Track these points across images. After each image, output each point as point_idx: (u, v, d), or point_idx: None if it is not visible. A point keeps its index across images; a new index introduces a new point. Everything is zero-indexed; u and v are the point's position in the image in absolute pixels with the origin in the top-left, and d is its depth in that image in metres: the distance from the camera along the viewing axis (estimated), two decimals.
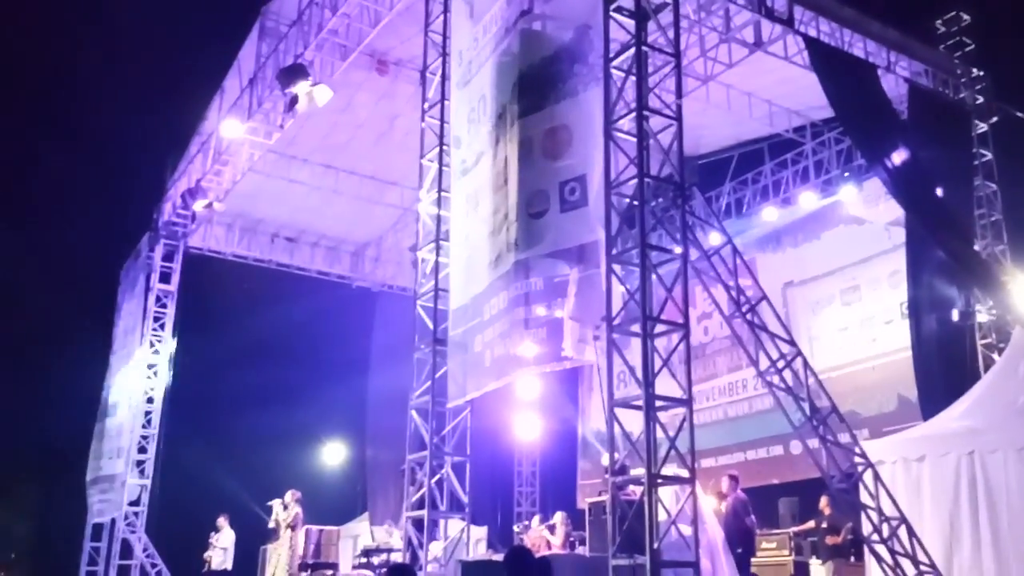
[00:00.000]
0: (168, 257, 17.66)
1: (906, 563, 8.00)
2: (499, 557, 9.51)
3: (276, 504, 13.07)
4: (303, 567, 13.00)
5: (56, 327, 24.30)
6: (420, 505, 9.40)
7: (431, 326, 9.65)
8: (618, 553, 6.63)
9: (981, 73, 12.81)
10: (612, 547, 6.68)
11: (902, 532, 8.10)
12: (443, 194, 9.93)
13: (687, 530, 6.83)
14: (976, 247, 11.99)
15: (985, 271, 11.55)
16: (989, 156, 12.59)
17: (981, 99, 12.73)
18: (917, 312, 12.03)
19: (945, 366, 11.57)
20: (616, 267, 7.26)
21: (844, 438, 8.43)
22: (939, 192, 11.80)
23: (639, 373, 6.92)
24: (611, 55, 7.67)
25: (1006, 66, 12.65)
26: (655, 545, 6.40)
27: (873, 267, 14.32)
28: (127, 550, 16.34)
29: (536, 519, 13.94)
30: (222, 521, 14.67)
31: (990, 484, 8.53)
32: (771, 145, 16.08)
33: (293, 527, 12.76)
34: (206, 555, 14.48)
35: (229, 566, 14.19)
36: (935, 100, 12.54)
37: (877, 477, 8.30)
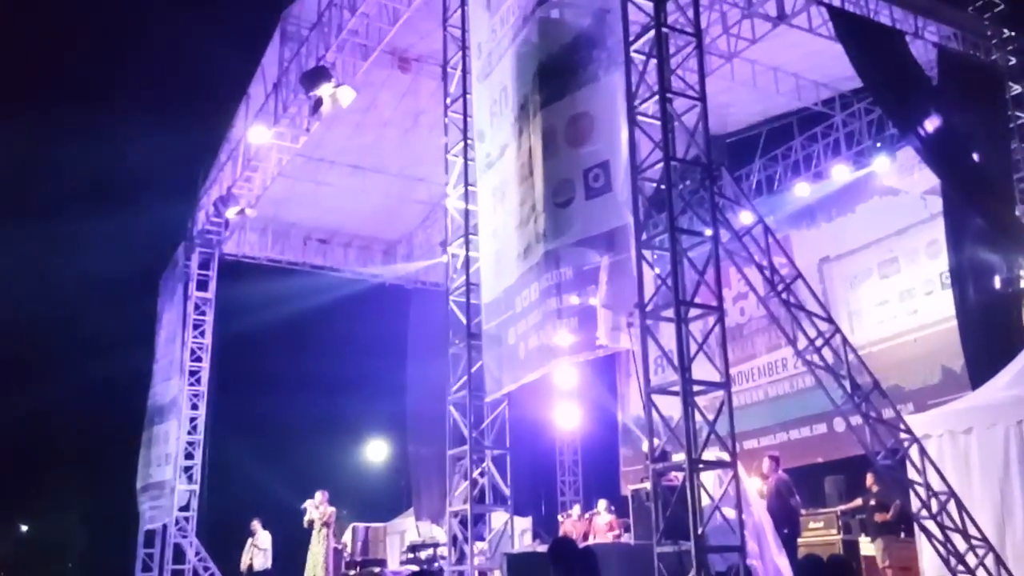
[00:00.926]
0: (204, 265, 17.89)
1: (957, 538, 7.87)
2: (544, 548, 9.54)
3: (309, 504, 13.28)
4: (351, 564, 13.16)
5: (101, 339, 24.83)
6: (463, 500, 9.44)
7: (464, 321, 9.66)
8: (663, 540, 6.60)
9: (1013, 34, 12.46)
10: (656, 534, 6.65)
11: (951, 507, 7.96)
12: (470, 188, 9.91)
13: (731, 514, 6.78)
14: (1016, 211, 11.71)
15: (1022, 235, 11.28)
16: None
17: (1014, 60, 12.38)
18: (960, 281, 11.78)
19: (992, 334, 11.32)
20: (647, 252, 7.20)
21: (888, 413, 8.29)
22: (975, 157, 11.54)
23: (675, 358, 6.86)
24: (631, 38, 7.57)
25: None
26: (700, 531, 6.36)
27: (911, 238, 14.07)
28: (180, 555, 16.64)
29: (576, 508, 13.97)
30: (256, 525, 14.95)
31: None
32: (800, 119, 15.84)
33: (328, 524, 12.99)
34: (244, 559, 14.73)
35: (269, 565, 14.45)
36: (966, 64, 12.25)
37: (923, 452, 8.16)
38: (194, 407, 17.25)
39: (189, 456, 16.98)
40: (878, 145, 14.71)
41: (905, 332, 13.99)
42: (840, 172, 15.22)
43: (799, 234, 15.91)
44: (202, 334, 17.64)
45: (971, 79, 12.08)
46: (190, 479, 16.86)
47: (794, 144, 16.12)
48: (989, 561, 7.79)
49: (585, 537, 12.18)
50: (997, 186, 11.59)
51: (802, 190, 15.78)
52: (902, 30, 11.74)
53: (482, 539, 9.58)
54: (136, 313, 21.32)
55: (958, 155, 11.45)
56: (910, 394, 13.38)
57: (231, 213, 15.73)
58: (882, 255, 14.51)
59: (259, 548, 14.64)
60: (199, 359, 17.50)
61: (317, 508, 13.41)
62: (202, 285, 17.81)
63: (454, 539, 9.52)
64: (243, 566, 14.79)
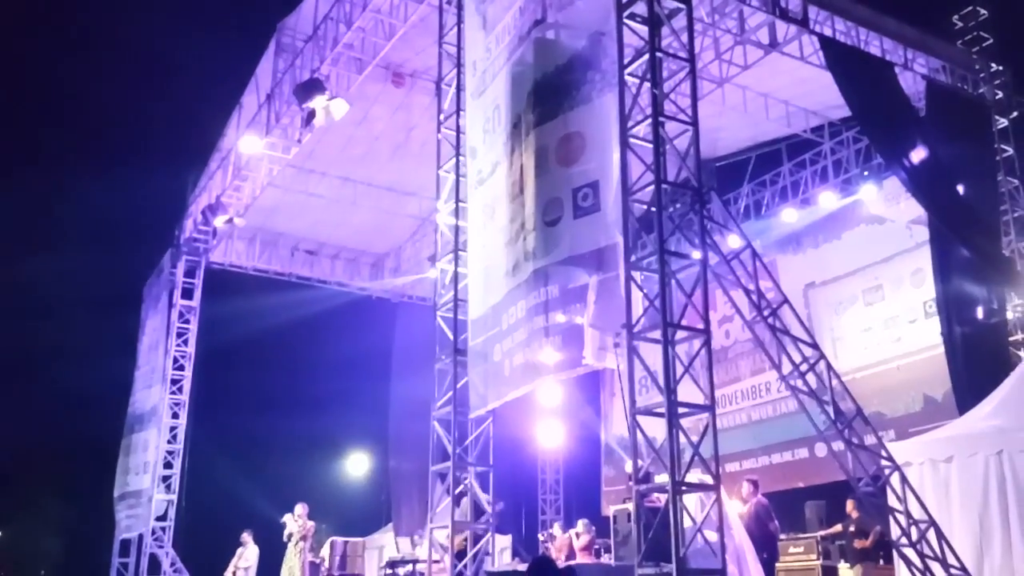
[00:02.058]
0: (190, 273, 17.80)
1: (936, 566, 7.90)
2: (524, 567, 9.50)
3: (288, 518, 13.17)
4: None
5: (82, 345, 24.63)
6: (443, 516, 9.40)
7: (451, 336, 9.66)
8: (644, 562, 6.59)
9: (1000, 68, 12.68)
10: (638, 556, 6.64)
11: (931, 535, 8.00)
12: (461, 205, 9.94)
13: (712, 536, 6.78)
14: (1002, 243, 11.85)
15: (1009, 268, 11.41)
16: (1011, 151, 12.44)
17: (1001, 94, 12.59)
18: (947, 310, 11.89)
19: (978, 364, 11.41)
20: (635, 273, 7.24)
21: (870, 440, 8.34)
22: (960, 189, 11.67)
23: (660, 380, 6.89)
24: (625, 62, 7.65)
25: None
26: (681, 553, 6.35)
27: (896, 266, 14.19)
28: (155, 565, 16.43)
29: (557, 526, 13.92)
30: (246, 537, 14.76)
31: (1020, 483, 8.41)
32: (789, 145, 15.99)
33: (305, 538, 12.91)
34: (228, 571, 14.57)
35: None
36: (954, 96, 12.43)
37: (904, 479, 8.21)
38: (175, 416, 17.10)
39: (168, 465, 16.81)
40: (865, 173, 14.86)
41: (888, 359, 14.08)
42: (827, 199, 15.36)
43: (785, 259, 16.02)
44: (185, 343, 17.51)
45: (958, 112, 12.26)
46: (168, 488, 16.69)
47: (782, 170, 16.27)
48: None
49: (568, 556, 12.12)
50: (983, 218, 11.73)
51: (789, 216, 15.91)
52: (891, 61, 11.91)
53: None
54: (119, 319, 21.21)
55: (944, 187, 11.58)
56: (892, 421, 13.46)
57: (219, 222, 15.66)
58: (867, 282, 14.63)
59: (242, 567, 14.45)
60: (181, 368, 17.36)
61: (296, 521, 13.31)
62: (187, 293, 17.71)
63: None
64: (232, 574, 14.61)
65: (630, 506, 7.50)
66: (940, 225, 11.85)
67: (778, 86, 13.91)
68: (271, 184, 15.66)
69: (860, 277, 14.75)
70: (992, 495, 8.56)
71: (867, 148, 14.71)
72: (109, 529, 18.05)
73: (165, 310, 17.56)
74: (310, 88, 12.43)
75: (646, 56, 7.56)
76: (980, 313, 11.64)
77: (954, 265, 11.76)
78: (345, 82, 13.08)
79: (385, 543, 18.14)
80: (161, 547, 16.44)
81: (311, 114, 12.52)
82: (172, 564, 16.39)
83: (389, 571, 13.09)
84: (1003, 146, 12.45)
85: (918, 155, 11.35)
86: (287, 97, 13.51)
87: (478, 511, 9.42)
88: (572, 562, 10.54)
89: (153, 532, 16.41)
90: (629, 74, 7.63)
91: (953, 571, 7.91)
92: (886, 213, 14.47)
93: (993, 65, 12.71)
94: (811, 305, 15.36)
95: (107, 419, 20.04)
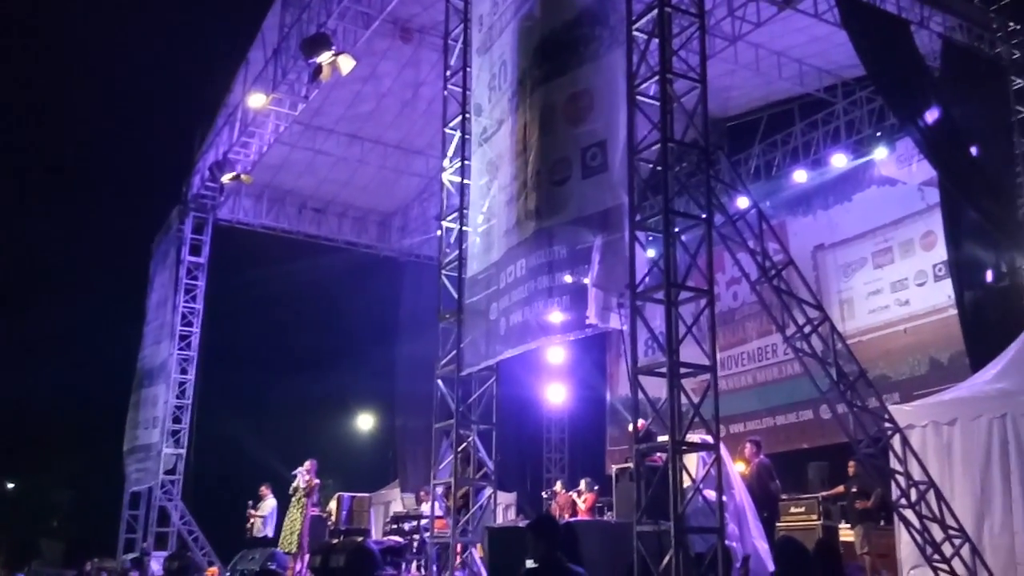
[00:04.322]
0: (198, 229, 17.83)
1: (934, 527, 7.93)
2: (525, 523, 9.60)
3: (300, 471, 13.33)
4: (335, 533, 13.22)
5: (91, 300, 24.79)
6: (448, 473, 9.49)
7: (455, 295, 9.65)
8: (643, 519, 6.64)
9: (1018, 27, 12.39)
10: (637, 513, 6.69)
11: (930, 497, 8.02)
12: (466, 163, 9.87)
13: (712, 496, 6.82)
14: (1018, 206, 11.68)
15: (1020, 231, 11.28)
16: None
17: (1018, 54, 12.32)
18: (957, 273, 11.78)
19: (987, 328, 11.33)
20: (640, 234, 7.19)
21: (873, 403, 8.33)
22: (974, 151, 11.50)
23: (664, 340, 6.87)
24: (633, 17, 7.50)
25: None
26: (680, 511, 6.39)
27: (906, 228, 14.08)
28: (164, 518, 16.72)
29: (559, 484, 14.05)
30: (264, 490, 14.91)
31: (1022, 446, 8.40)
32: (801, 105, 15.78)
33: (309, 494, 13.08)
34: (248, 524, 14.78)
35: (270, 534, 14.50)
36: (970, 56, 12.17)
37: (905, 441, 8.22)
38: (183, 372, 17.24)
39: (177, 420, 17.00)
40: (878, 135, 14.65)
41: (896, 322, 14.04)
42: (839, 160, 15.18)
43: (795, 221, 15.91)
44: (193, 299, 17.60)
45: (974, 72, 12.02)
46: (177, 443, 16.90)
47: (794, 130, 16.06)
48: (965, 551, 7.87)
49: (571, 513, 12.26)
50: (996, 181, 11.56)
51: (800, 176, 15.75)
52: (907, 19, 11.66)
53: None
54: (127, 274, 21.31)
55: (957, 148, 11.40)
56: (897, 384, 13.46)
57: (227, 178, 15.62)
58: (877, 244, 14.52)
59: (258, 515, 14.66)
60: (190, 324, 17.48)
61: (305, 476, 13.45)
62: (195, 250, 17.75)
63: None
64: (248, 524, 14.82)
65: (631, 465, 7.54)
66: (951, 187, 11.70)
67: (791, 44, 13.69)
68: (278, 141, 15.59)
69: (870, 239, 14.64)
70: (994, 458, 8.55)
71: (880, 109, 14.49)
72: (119, 482, 18.32)
73: (173, 266, 17.62)
74: (316, 43, 12.28)
75: (655, 11, 7.41)
76: (990, 276, 11.53)
77: (965, 228, 11.62)
78: (352, 37, 12.92)
79: (392, 499, 18.37)
80: (170, 500, 16.70)
81: (317, 69, 12.39)
82: (181, 517, 16.66)
83: (394, 526, 13.25)
84: (1019, 107, 12.22)
85: (932, 116, 11.16)
86: (294, 52, 13.37)
87: (479, 468, 9.50)
88: (573, 520, 10.65)
89: (162, 485, 16.66)
90: (637, 30, 7.49)
91: (951, 532, 7.94)
92: (898, 175, 14.31)
93: (1011, 24, 12.43)
94: (820, 267, 15.28)
95: (117, 374, 20.25)
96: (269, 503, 14.79)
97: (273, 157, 16.38)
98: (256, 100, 14.50)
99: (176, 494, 16.73)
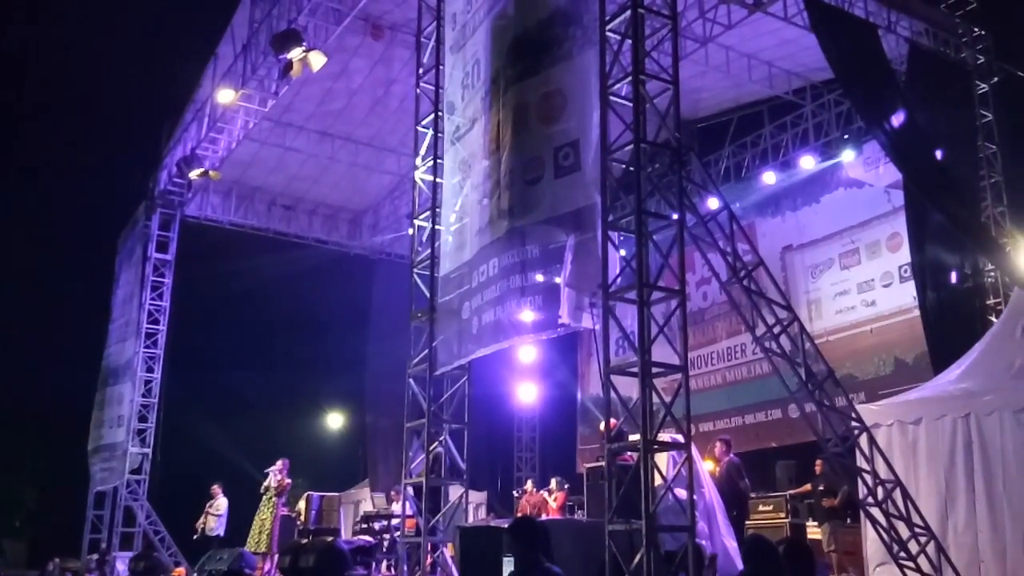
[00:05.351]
0: (165, 226, 17.61)
1: (900, 525, 8.04)
2: (498, 523, 9.60)
3: (272, 471, 13.25)
4: (304, 532, 13.13)
5: (55, 296, 24.38)
6: (419, 472, 9.46)
7: (427, 294, 9.62)
8: (614, 518, 6.66)
9: (983, 32, 12.61)
10: (608, 512, 6.71)
11: (897, 495, 8.13)
12: (439, 161, 9.84)
13: (683, 494, 6.86)
14: (982, 208, 11.88)
15: (983, 234, 11.48)
16: (990, 117, 12.43)
17: (982, 59, 12.54)
18: (921, 275, 11.97)
19: (951, 329, 11.52)
20: (612, 233, 7.21)
21: (840, 402, 8.43)
22: (939, 155, 11.67)
23: (635, 340, 6.90)
24: (607, 18, 7.54)
25: (1008, 25, 12.45)
26: (651, 510, 6.43)
27: (872, 230, 14.26)
28: (130, 518, 16.51)
29: (530, 482, 14.08)
30: (216, 489, 14.87)
31: (986, 446, 8.54)
32: (771, 108, 15.95)
33: (280, 493, 13.01)
34: (198, 523, 14.69)
35: (222, 532, 14.43)
36: (936, 60, 12.37)
37: (872, 440, 8.32)
38: (149, 370, 17.03)
39: (143, 419, 16.80)
40: (845, 137, 14.84)
41: (862, 323, 14.22)
42: (807, 162, 15.35)
43: (764, 222, 16.06)
44: (160, 296, 17.38)
45: (940, 76, 12.21)
46: (143, 442, 16.70)
47: (764, 132, 16.22)
48: (930, 549, 7.98)
49: (539, 512, 12.27)
50: (960, 183, 11.75)
51: (769, 178, 15.91)
52: (875, 23, 11.82)
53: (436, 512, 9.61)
54: (92, 270, 20.97)
55: (922, 151, 11.56)
56: (863, 383, 13.63)
57: (194, 174, 15.45)
58: (844, 246, 14.70)
59: (213, 514, 14.57)
60: (156, 321, 17.26)
61: (276, 476, 13.38)
62: (162, 246, 17.54)
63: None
64: (198, 526, 14.74)
65: (603, 464, 7.56)
66: (916, 189, 11.88)
67: (762, 47, 13.81)
68: (247, 137, 15.43)
69: (837, 241, 14.82)
70: (959, 457, 8.70)
71: (848, 111, 14.67)
72: (84, 482, 18.05)
73: (140, 263, 17.39)
74: (287, 39, 12.18)
75: (628, 12, 7.44)
76: (954, 278, 11.73)
77: (930, 230, 11.81)
78: (323, 34, 12.82)
79: (362, 498, 18.26)
80: (136, 500, 16.49)
81: (288, 65, 12.29)
82: (147, 516, 16.45)
83: (364, 525, 13.17)
84: (983, 111, 12.43)
85: (898, 119, 11.31)
86: (264, 48, 13.24)
87: (452, 468, 9.48)
88: (544, 519, 10.66)
89: (128, 485, 16.44)
90: (610, 30, 7.52)
91: (917, 530, 8.06)
92: (865, 177, 14.50)
93: (976, 29, 12.65)
94: (788, 268, 15.44)
95: (81, 372, 19.93)
96: (223, 502, 14.71)
97: (242, 153, 16.21)
98: (225, 96, 14.34)
99: (142, 494, 16.52)
